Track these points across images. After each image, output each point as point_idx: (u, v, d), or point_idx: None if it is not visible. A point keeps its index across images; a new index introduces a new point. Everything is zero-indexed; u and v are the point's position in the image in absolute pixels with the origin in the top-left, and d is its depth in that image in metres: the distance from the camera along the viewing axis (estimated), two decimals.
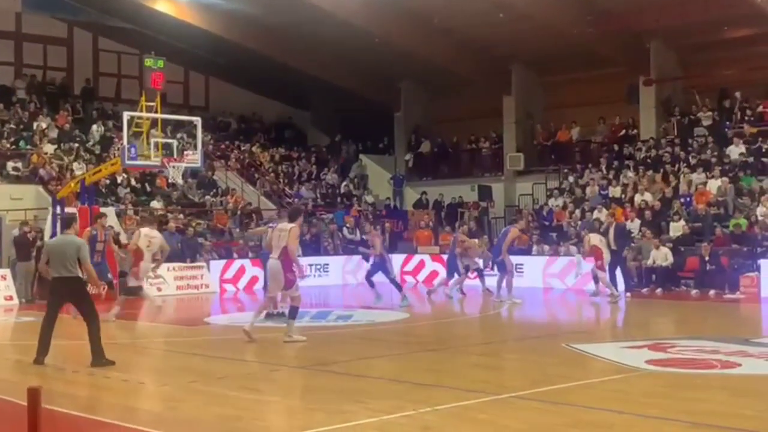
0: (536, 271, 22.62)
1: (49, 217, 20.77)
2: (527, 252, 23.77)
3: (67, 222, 11.28)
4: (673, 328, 15.42)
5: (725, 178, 23.07)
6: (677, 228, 22.05)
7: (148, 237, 15.37)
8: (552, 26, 26.15)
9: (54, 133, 27.20)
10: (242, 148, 31.62)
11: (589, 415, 7.79)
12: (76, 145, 26.89)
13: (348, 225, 27.11)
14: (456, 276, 19.69)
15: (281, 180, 30.55)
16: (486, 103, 30.75)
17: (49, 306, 10.88)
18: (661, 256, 20.70)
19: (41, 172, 24.65)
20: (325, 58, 30.58)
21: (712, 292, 19.64)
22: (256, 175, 30.26)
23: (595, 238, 19.06)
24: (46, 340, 10.59)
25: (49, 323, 10.69)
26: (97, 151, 27.02)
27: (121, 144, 20.45)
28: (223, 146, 31.20)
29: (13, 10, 29.60)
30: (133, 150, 18.86)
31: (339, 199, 30.60)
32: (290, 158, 32.49)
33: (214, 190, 28.10)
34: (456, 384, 9.38)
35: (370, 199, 31.34)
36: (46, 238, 19.02)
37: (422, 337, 13.62)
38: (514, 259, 19.68)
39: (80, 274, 10.71)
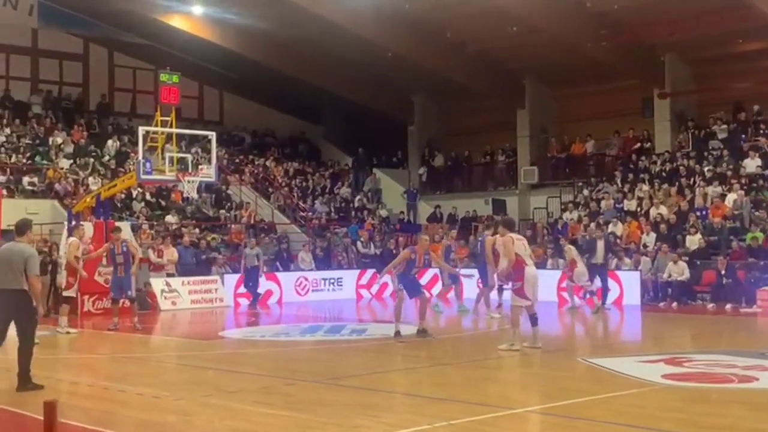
0: (551, 285, 22.49)
1: (65, 232, 20.85)
2: (542, 266, 23.64)
3: (20, 228, 10.03)
4: (690, 342, 15.31)
5: (741, 191, 22.94)
6: (693, 242, 21.93)
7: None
8: (565, 39, 26.15)
9: (70, 148, 27.37)
10: (256, 163, 31.71)
11: (605, 429, 7.73)
12: (92, 159, 27.05)
13: (362, 239, 27.14)
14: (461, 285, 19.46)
15: (295, 194, 30.61)
16: (499, 117, 30.77)
17: None
18: (678, 270, 20.58)
19: (57, 186, 24.79)
20: (338, 72, 30.68)
21: (728, 305, 19.50)
22: (270, 190, 30.33)
23: (573, 251, 19.18)
24: None
25: None
26: (113, 166, 27.16)
27: (137, 159, 20.54)
28: (237, 160, 31.30)
29: (30, 26, 29.86)
30: (148, 164, 18.95)
31: (353, 213, 30.62)
32: (304, 172, 32.56)
33: (228, 204, 28.18)
34: (470, 398, 9.33)
35: (383, 213, 31.36)
36: (62, 252, 19.09)
37: (436, 351, 13.57)
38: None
39: (26, 287, 9.65)
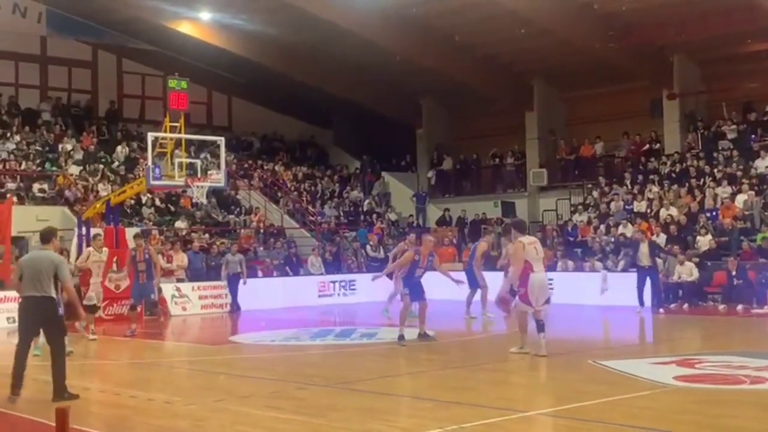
0: (560, 287, 22.46)
1: (75, 238, 20.95)
2: (552, 268, 23.62)
3: (45, 236, 10.04)
4: (701, 344, 15.26)
5: (751, 192, 22.86)
6: (703, 242, 21.86)
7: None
8: (573, 41, 26.11)
9: (79, 155, 27.47)
10: (265, 167, 31.75)
11: None
12: (101, 166, 27.14)
13: (371, 242, 27.15)
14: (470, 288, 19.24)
15: (304, 198, 30.65)
16: (508, 119, 30.74)
17: (20, 331, 9.83)
18: (686, 271, 20.52)
19: (67, 193, 24.87)
20: (346, 76, 30.71)
21: (739, 306, 19.42)
22: (279, 194, 30.37)
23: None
24: (20, 371, 9.61)
25: (23, 351, 9.74)
26: (122, 172, 27.24)
27: (146, 164, 20.59)
28: (246, 165, 31.36)
29: (38, 33, 29.99)
30: (157, 170, 18.99)
31: (362, 217, 30.63)
32: (313, 177, 32.60)
33: (238, 209, 28.23)
34: (481, 401, 9.32)
35: (393, 216, 31.36)
36: (72, 258, 19.15)
37: (447, 354, 13.56)
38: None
39: (54, 295, 9.57)
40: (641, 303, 19.41)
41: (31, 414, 8.91)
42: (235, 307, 21.66)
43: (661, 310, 19.43)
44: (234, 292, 21.62)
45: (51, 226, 10.56)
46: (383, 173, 33.58)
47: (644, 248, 19.41)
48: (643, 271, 19.47)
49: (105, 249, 16.73)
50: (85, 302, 15.76)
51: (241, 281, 21.39)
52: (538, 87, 30.13)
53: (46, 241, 9.98)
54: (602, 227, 24.62)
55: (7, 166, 25.66)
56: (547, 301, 12.38)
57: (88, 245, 17.67)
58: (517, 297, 12.25)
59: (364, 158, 33.87)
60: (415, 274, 14.17)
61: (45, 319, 9.58)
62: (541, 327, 12.23)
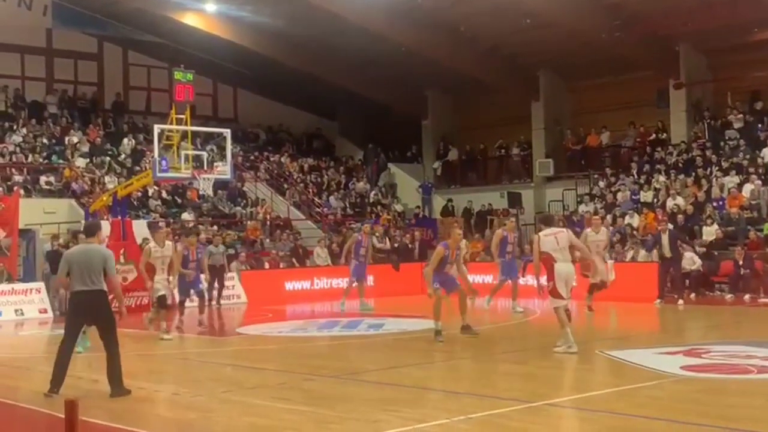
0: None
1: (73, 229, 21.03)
2: None
3: (91, 229, 10.03)
4: (708, 334, 15.24)
5: (758, 181, 22.82)
6: (710, 232, 21.83)
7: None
8: (579, 32, 26.05)
9: (86, 147, 27.52)
10: (271, 159, 31.78)
11: (624, 422, 7.72)
12: (108, 158, 27.20)
13: (377, 234, 27.10)
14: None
15: (310, 190, 30.65)
16: (514, 110, 30.69)
17: (69, 326, 9.65)
18: (688, 260, 20.44)
19: (74, 186, 24.93)
20: (352, 68, 30.68)
21: (746, 296, 19.41)
22: (285, 186, 30.39)
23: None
24: (63, 369, 9.36)
25: (69, 347, 9.54)
26: (129, 165, 27.29)
27: (152, 157, 20.61)
28: (252, 157, 31.37)
29: (44, 26, 30.00)
30: (164, 162, 19.01)
31: (368, 209, 30.63)
32: (319, 168, 32.61)
33: (244, 201, 28.25)
34: (489, 392, 9.34)
35: (399, 207, 31.36)
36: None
37: (454, 345, 13.57)
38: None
39: (104, 288, 9.45)
40: (662, 295, 19.27)
41: (41, 406, 8.95)
42: (216, 299, 20.57)
43: (681, 301, 19.24)
44: (220, 285, 20.62)
45: (96, 221, 10.39)
46: (389, 164, 33.58)
47: (665, 239, 19.21)
48: (666, 262, 19.32)
49: (168, 243, 15.52)
50: (153, 295, 15.27)
51: (229, 275, 21.07)
52: (544, 77, 30.06)
53: (92, 234, 9.91)
54: (608, 217, 24.59)
55: (14, 159, 25.73)
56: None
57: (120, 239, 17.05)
58: (549, 294, 11.82)
59: (369, 146, 33.80)
60: (444, 269, 13.68)
61: (98, 313, 9.47)
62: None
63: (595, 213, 25.34)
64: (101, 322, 9.50)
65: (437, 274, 13.62)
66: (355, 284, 19.50)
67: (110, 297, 9.62)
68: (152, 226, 23.23)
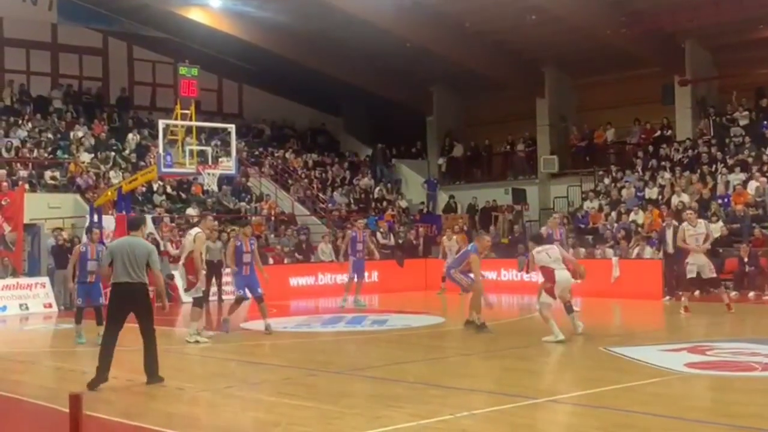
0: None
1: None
2: None
3: (136, 223, 10.23)
4: (712, 331, 15.22)
5: (763, 178, 22.77)
6: (715, 229, 21.71)
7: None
8: (584, 28, 26.00)
9: (90, 142, 27.53)
10: (275, 155, 31.77)
11: (628, 418, 7.71)
12: (113, 153, 27.21)
13: (381, 229, 27.14)
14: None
15: (315, 186, 30.66)
16: (519, 106, 30.67)
17: (111, 317, 9.77)
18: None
19: (78, 180, 24.95)
20: (357, 63, 30.67)
21: (751, 293, 19.39)
22: (290, 181, 30.39)
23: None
24: (108, 360, 9.54)
25: (113, 338, 9.66)
26: (133, 160, 27.30)
27: (157, 152, 20.62)
28: (256, 153, 31.38)
29: (49, 21, 30.03)
30: (168, 158, 19.02)
31: (372, 204, 30.64)
32: (323, 164, 32.61)
33: (249, 197, 28.27)
34: (493, 388, 9.34)
35: (403, 203, 31.36)
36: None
37: (458, 341, 13.58)
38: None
39: (146, 281, 9.69)
40: (669, 291, 19.20)
41: (45, 400, 8.97)
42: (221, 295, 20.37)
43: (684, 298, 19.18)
44: (218, 280, 20.26)
45: (140, 215, 10.47)
46: (394, 160, 33.56)
47: (669, 235, 19.15)
48: (670, 259, 19.26)
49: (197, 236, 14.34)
50: (193, 292, 14.20)
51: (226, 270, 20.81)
52: (549, 73, 30.02)
53: (136, 228, 10.07)
54: (613, 214, 24.57)
55: (19, 154, 25.76)
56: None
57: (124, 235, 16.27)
58: (544, 290, 13.02)
59: (378, 147, 33.67)
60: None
61: (139, 305, 9.64)
62: (569, 309, 13.26)
63: (600, 209, 25.37)
64: (140, 312, 9.68)
65: (464, 273, 14.51)
66: (355, 280, 19.47)
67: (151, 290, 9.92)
68: (157, 221, 23.28)
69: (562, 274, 12.96)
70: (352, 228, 21.12)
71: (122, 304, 9.65)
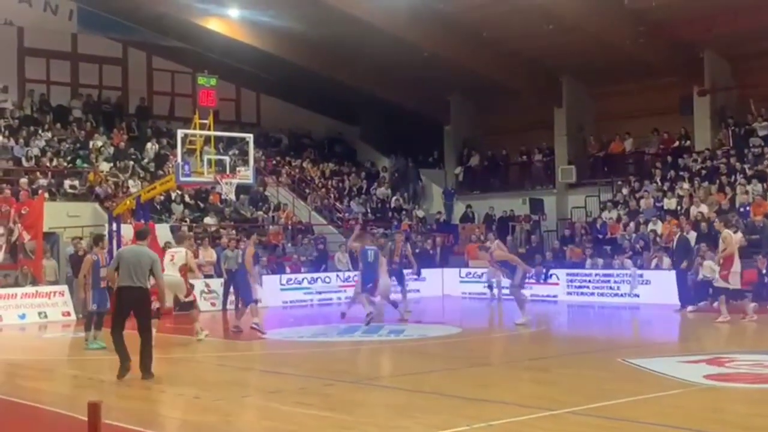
0: (590, 285, 22.39)
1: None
2: (580, 265, 23.55)
3: (143, 233, 11.57)
4: (731, 342, 15.12)
5: None
6: (735, 240, 21.58)
7: (171, 253, 15.07)
8: (602, 37, 25.94)
9: (109, 152, 27.70)
10: (293, 164, 31.85)
11: (646, 430, 7.66)
12: (132, 162, 27.35)
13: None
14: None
15: (332, 195, 30.68)
16: (536, 116, 30.60)
17: (116, 316, 10.87)
18: (707, 268, 20.20)
19: (98, 189, 25.10)
20: (374, 73, 30.71)
21: None
22: (307, 191, 30.44)
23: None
24: (124, 352, 10.58)
25: (120, 335, 10.66)
26: (152, 169, 27.44)
27: (175, 161, 20.70)
28: (274, 162, 31.46)
29: (69, 31, 30.25)
30: (186, 167, 19.08)
31: (390, 214, 30.62)
32: (340, 173, 32.65)
33: (266, 206, 28.34)
34: (510, 399, 9.29)
35: (420, 213, 31.33)
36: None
37: (474, 351, 13.54)
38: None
39: (147, 286, 10.74)
40: (683, 302, 19.12)
41: (64, 409, 9.00)
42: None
43: (692, 307, 19.19)
44: (236, 288, 19.31)
45: (147, 227, 12.43)
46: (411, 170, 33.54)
47: (674, 245, 19.11)
48: (683, 269, 19.15)
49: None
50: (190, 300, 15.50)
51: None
52: (567, 83, 29.96)
53: (143, 238, 11.36)
54: (632, 224, 24.45)
55: (39, 163, 25.94)
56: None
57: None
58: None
59: (401, 159, 33.56)
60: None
61: (138, 307, 10.64)
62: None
63: (618, 220, 25.23)
64: (139, 315, 10.68)
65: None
66: (400, 290, 19.37)
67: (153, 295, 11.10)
68: (174, 230, 23.35)
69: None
70: (392, 240, 21.20)
71: (124, 305, 10.68)
